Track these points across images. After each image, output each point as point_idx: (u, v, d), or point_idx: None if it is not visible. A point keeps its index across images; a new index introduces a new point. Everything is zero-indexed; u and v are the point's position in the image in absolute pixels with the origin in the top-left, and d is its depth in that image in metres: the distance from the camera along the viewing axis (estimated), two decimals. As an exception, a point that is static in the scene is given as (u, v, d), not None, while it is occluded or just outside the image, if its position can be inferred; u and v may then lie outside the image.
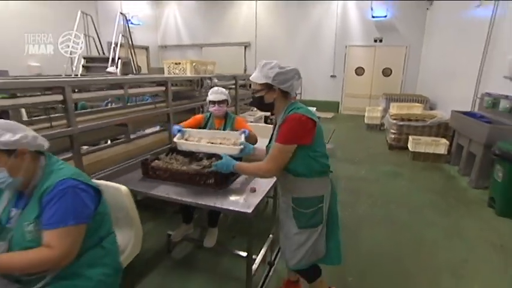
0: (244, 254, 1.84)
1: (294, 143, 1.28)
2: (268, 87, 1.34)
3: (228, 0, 9.92)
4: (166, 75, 3.87)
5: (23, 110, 3.37)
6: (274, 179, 1.70)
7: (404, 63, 8.39)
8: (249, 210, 1.44)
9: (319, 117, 1.38)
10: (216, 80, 3.47)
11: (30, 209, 1.03)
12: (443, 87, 6.08)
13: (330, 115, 8.54)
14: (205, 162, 1.87)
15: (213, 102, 2.18)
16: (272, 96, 1.36)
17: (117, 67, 5.56)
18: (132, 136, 2.77)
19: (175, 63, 4.02)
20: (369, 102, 8.61)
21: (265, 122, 4.55)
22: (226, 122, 2.26)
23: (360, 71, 8.97)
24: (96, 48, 6.63)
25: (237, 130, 2.09)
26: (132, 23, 9.02)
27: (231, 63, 9.49)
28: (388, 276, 2.04)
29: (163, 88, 2.47)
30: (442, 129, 4.91)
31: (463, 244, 2.44)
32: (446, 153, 4.46)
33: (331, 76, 9.17)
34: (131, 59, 6.51)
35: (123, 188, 1.42)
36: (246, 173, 1.65)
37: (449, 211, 3.01)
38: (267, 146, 1.51)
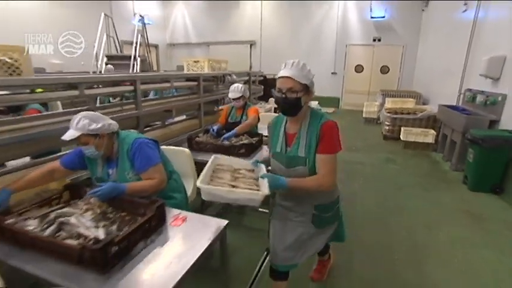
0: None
1: (339, 150, 1.28)
2: (306, 89, 1.27)
3: (234, 0, 10.39)
4: (185, 71, 4.42)
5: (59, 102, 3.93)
6: None
7: (401, 61, 8.91)
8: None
9: None
10: (235, 77, 4.02)
11: (124, 165, 1.57)
12: (435, 83, 6.62)
13: (331, 110, 9.07)
14: (233, 140, 2.47)
15: (232, 98, 2.79)
16: (308, 99, 1.30)
17: (137, 64, 6.14)
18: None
19: (194, 61, 4.53)
20: (367, 98, 9.12)
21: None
22: (244, 110, 2.89)
23: (359, 69, 9.45)
24: (115, 47, 7.18)
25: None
26: (143, 23, 9.54)
27: (237, 61, 9.91)
28: (375, 230, 2.63)
29: (195, 83, 3.05)
30: (431, 122, 5.46)
31: (438, 210, 3.03)
32: (434, 142, 5.03)
33: (332, 73, 9.65)
34: (147, 57, 7.07)
35: (186, 150, 2.02)
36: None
37: (431, 188, 3.59)
38: (273, 152, 1.42)
